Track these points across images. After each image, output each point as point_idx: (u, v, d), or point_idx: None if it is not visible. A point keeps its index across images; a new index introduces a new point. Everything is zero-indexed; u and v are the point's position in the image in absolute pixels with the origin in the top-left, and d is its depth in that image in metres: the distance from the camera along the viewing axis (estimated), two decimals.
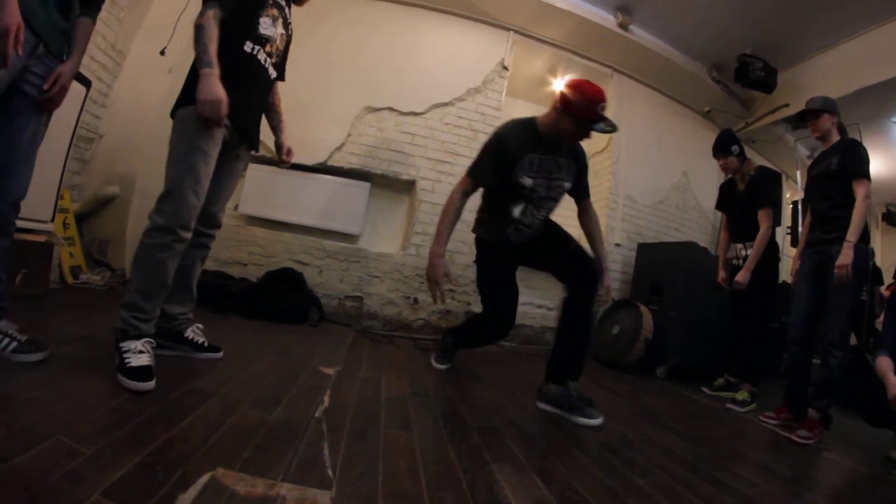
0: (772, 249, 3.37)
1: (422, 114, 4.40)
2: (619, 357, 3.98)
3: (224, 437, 1.31)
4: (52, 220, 2.88)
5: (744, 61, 4.73)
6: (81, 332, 2.11)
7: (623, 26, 4.70)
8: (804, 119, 2.93)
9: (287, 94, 4.03)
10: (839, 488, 2.00)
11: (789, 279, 3.13)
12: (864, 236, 2.69)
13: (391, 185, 4.40)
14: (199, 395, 1.60)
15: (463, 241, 3.91)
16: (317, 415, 1.65)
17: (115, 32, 3.64)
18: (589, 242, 2.53)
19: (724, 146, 3.56)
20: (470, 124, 4.45)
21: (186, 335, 2.09)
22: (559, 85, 5.15)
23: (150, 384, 1.55)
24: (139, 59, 3.89)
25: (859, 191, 2.62)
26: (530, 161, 2.28)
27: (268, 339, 2.78)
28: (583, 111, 2.13)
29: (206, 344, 2.12)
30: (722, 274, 3.62)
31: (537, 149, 2.29)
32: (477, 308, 2.99)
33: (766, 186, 3.50)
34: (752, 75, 4.74)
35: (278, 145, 2.33)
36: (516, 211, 2.36)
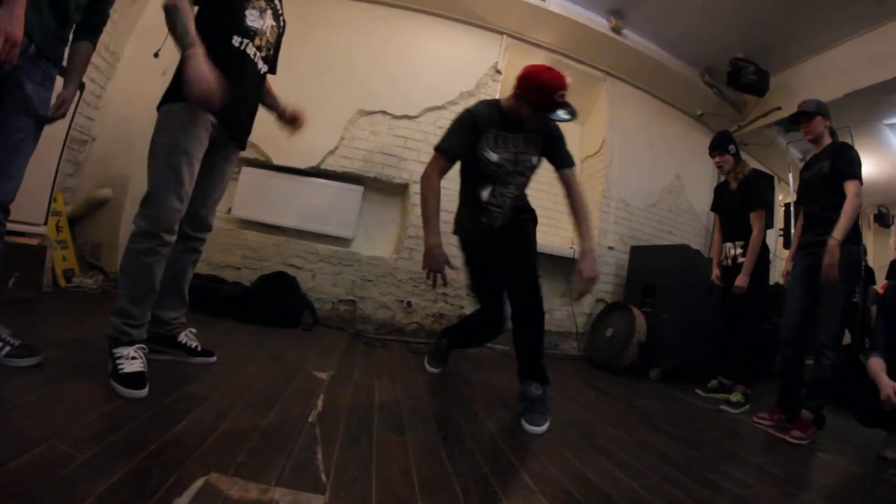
0: (763, 252, 3.40)
1: (415, 117, 4.42)
2: (613, 360, 4.00)
3: (218, 442, 1.32)
4: (45, 223, 2.87)
5: (736, 65, 4.77)
6: (75, 335, 2.12)
7: (616, 30, 4.73)
8: (797, 121, 2.96)
9: (280, 95, 4.03)
10: (833, 488, 2.03)
11: (781, 280, 3.17)
12: (856, 237, 2.74)
13: (384, 189, 4.42)
14: (193, 400, 1.61)
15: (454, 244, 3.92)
16: (310, 419, 1.66)
17: (108, 34, 3.63)
18: (573, 221, 2.36)
19: (721, 144, 3.60)
20: None
21: (180, 339, 2.08)
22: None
23: (143, 391, 1.55)
24: (133, 60, 3.87)
25: (849, 190, 2.66)
26: (495, 137, 2.26)
27: (261, 344, 2.78)
28: (540, 98, 2.12)
29: (199, 348, 2.12)
30: (716, 272, 3.65)
31: (502, 126, 2.27)
32: (469, 311, 2.94)
33: (759, 188, 3.54)
34: (744, 79, 4.78)
35: (280, 112, 2.27)
36: (485, 194, 2.34)
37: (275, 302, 3.46)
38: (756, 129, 5.30)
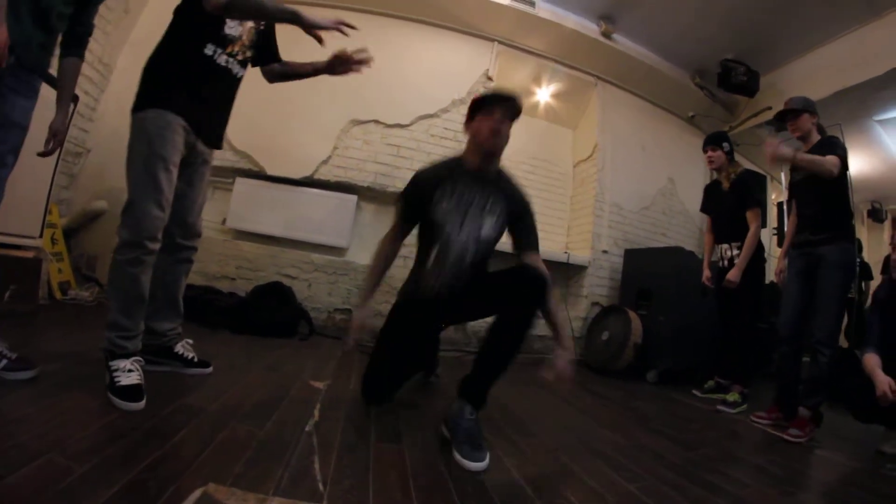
0: (758, 251, 3.42)
1: (407, 126, 4.45)
2: (609, 363, 4.02)
3: (215, 453, 1.32)
4: (41, 236, 2.88)
5: (726, 66, 4.84)
6: (71, 348, 2.12)
7: (606, 35, 4.78)
8: (784, 119, 2.97)
9: (273, 106, 4.06)
10: (832, 485, 2.05)
11: (775, 279, 3.19)
12: (850, 235, 2.77)
13: (378, 198, 4.44)
14: (190, 411, 1.61)
15: None
16: (307, 428, 1.67)
17: (102, 46, 3.66)
18: (548, 325, 2.03)
19: (715, 139, 3.62)
20: (455, 136, 4.48)
21: (176, 350, 2.10)
22: (543, 94, 5.23)
23: (140, 404, 1.56)
24: (126, 72, 3.88)
25: (829, 157, 2.63)
26: (442, 191, 2.05)
27: (257, 354, 2.79)
28: (471, 107, 2.06)
29: (195, 359, 2.13)
30: (707, 273, 3.67)
31: (459, 179, 2.06)
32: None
33: (752, 187, 3.56)
34: (734, 80, 4.84)
35: (326, 68, 2.19)
36: (432, 253, 2.09)
37: (270, 312, 3.46)
38: (747, 129, 5.35)
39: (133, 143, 1.80)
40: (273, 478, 1.24)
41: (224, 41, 1.92)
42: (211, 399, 1.79)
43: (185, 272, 2.16)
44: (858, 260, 4.41)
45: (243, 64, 2.06)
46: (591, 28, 4.76)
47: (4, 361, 1.61)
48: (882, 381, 2.18)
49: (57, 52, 1.84)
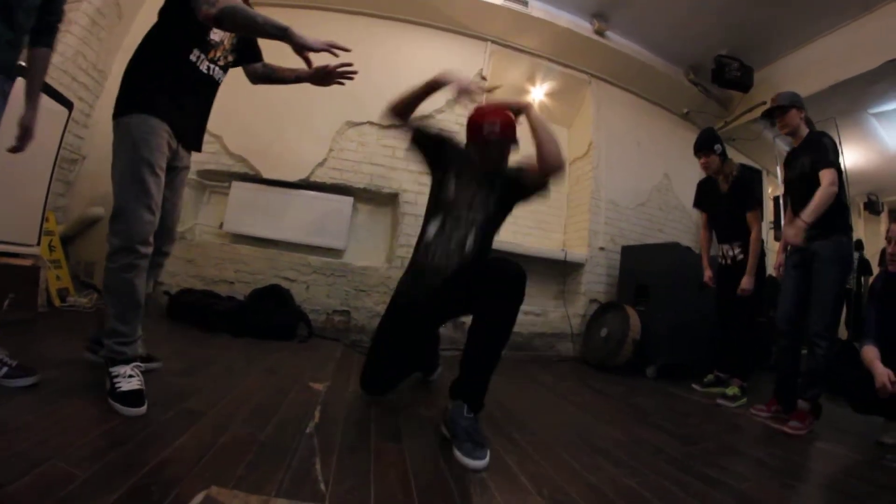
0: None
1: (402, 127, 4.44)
2: (608, 359, 4.04)
3: (217, 456, 1.33)
4: (38, 244, 2.88)
5: (720, 62, 4.84)
6: (71, 355, 2.11)
7: (599, 32, 4.79)
8: (772, 116, 3.00)
9: (268, 109, 4.06)
10: (833, 477, 2.06)
11: (773, 273, 3.21)
12: (845, 228, 2.78)
13: (374, 199, 4.45)
14: (191, 416, 1.62)
15: None
16: (308, 430, 1.68)
17: (96, 52, 3.66)
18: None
19: (706, 144, 3.57)
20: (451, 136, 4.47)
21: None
22: (538, 93, 5.24)
23: (142, 409, 1.57)
24: (121, 78, 3.87)
25: (824, 179, 2.67)
26: (458, 170, 2.22)
27: (256, 357, 2.79)
28: (472, 136, 2.15)
29: (146, 354, 2.07)
30: (708, 273, 3.68)
31: (467, 165, 2.22)
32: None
33: (752, 187, 3.55)
34: (728, 75, 4.85)
35: (308, 77, 2.15)
36: (431, 230, 2.18)
37: (269, 315, 3.47)
38: (742, 124, 5.36)
39: (118, 148, 1.79)
40: (275, 480, 1.25)
41: (208, 47, 1.91)
42: (211, 403, 1.79)
43: (155, 276, 2.16)
44: (858, 256, 4.43)
45: (225, 69, 2.06)
46: (584, 26, 4.77)
47: (5, 369, 1.61)
48: (881, 372, 2.18)
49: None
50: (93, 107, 3.86)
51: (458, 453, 1.62)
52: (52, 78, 3.14)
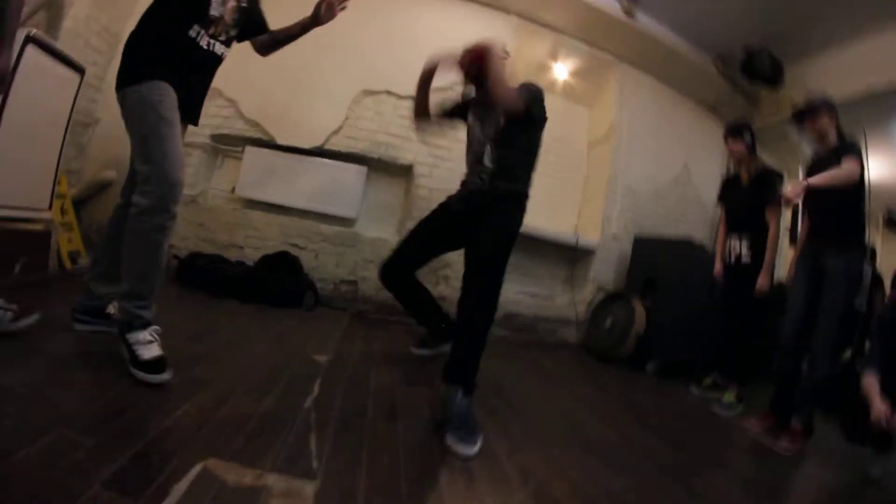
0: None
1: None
2: (610, 350, 4.08)
3: (217, 427, 1.40)
4: (50, 208, 2.92)
5: (750, 52, 4.73)
6: None
7: (628, 12, 4.67)
8: (802, 118, 2.87)
9: (284, 75, 4.04)
10: (814, 497, 2.10)
11: (786, 281, 3.14)
12: (860, 247, 2.72)
13: (388, 170, 4.45)
14: (195, 384, 1.68)
15: None
16: (306, 404, 1.74)
17: (108, 15, 3.64)
18: None
19: (737, 129, 3.51)
20: None
21: (108, 311, 2.07)
22: (561, 71, 5.17)
23: (167, 375, 1.62)
24: (122, 51, 3.86)
25: (847, 163, 2.54)
26: (474, 108, 2.59)
27: (264, 324, 2.87)
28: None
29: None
30: (718, 267, 3.61)
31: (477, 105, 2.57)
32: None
33: (773, 182, 3.47)
34: (758, 68, 4.73)
35: (313, 23, 2.17)
36: (469, 161, 2.57)
37: (278, 282, 3.54)
38: (769, 122, 5.22)
39: (134, 114, 1.79)
40: (271, 454, 1.31)
41: (208, 22, 1.89)
42: (216, 371, 1.86)
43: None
44: (870, 270, 4.35)
45: (227, 43, 2.03)
46: (612, 5, 4.64)
47: (9, 314, 1.67)
48: (878, 407, 2.14)
49: None
50: (106, 70, 3.85)
51: (449, 438, 1.67)
52: (65, 42, 3.17)
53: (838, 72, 4.45)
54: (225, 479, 1.14)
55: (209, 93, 2.11)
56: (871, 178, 5.04)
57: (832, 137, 2.78)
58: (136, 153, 1.81)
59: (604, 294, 4.72)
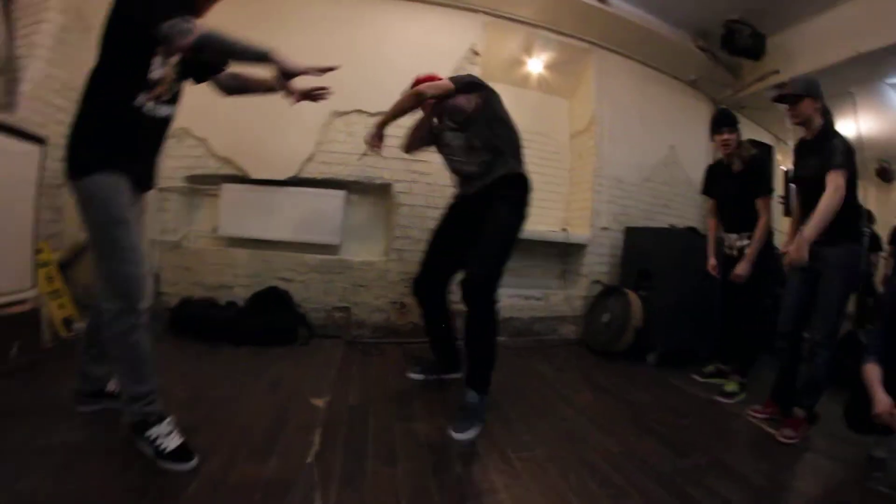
0: (767, 238, 3.48)
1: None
2: (610, 345, 4.31)
3: (228, 498, 1.62)
4: (34, 285, 2.97)
5: (730, 28, 4.86)
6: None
7: None
8: (782, 102, 2.90)
9: (250, 107, 4.14)
10: (814, 499, 2.20)
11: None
12: (857, 235, 2.82)
13: (366, 191, 4.58)
14: (199, 454, 1.85)
15: None
16: (309, 459, 1.95)
17: (65, 72, 3.61)
18: None
19: (730, 119, 3.59)
20: None
21: (108, 389, 2.20)
22: (535, 65, 5.32)
23: (195, 461, 1.80)
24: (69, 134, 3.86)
25: (831, 183, 2.59)
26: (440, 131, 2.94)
27: (258, 371, 3.03)
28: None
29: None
30: (712, 261, 3.75)
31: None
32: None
33: (765, 172, 3.59)
34: (739, 42, 4.87)
35: (277, 88, 2.18)
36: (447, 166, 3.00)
37: (268, 320, 3.73)
38: (753, 92, 5.38)
39: (87, 212, 1.82)
40: None
41: (150, 86, 1.88)
42: (217, 435, 2.06)
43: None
44: (868, 231, 4.51)
45: (172, 101, 2.03)
46: None
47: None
48: (881, 401, 2.15)
49: None
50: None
51: (450, 427, 2.34)
52: (26, 106, 3.25)
53: (820, 38, 4.62)
54: None
55: (178, 134, 2.17)
56: (863, 133, 5.26)
57: (817, 121, 2.81)
58: (91, 249, 1.87)
59: (600, 286, 4.93)
